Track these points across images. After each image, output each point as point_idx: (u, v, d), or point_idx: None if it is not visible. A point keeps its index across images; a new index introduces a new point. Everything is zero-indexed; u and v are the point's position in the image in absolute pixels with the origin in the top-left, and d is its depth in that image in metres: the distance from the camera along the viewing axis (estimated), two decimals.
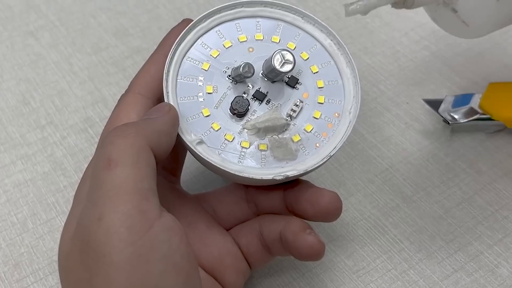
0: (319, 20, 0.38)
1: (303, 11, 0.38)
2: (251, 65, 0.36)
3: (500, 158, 0.49)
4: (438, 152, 0.49)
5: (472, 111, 0.49)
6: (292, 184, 0.36)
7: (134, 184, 0.29)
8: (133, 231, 0.28)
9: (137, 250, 0.28)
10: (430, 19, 0.58)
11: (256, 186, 0.37)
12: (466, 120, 0.49)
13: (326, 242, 0.43)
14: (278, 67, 0.35)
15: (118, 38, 0.58)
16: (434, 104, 0.50)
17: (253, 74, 0.36)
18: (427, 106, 0.51)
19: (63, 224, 0.42)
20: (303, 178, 0.37)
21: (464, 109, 0.49)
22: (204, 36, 0.37)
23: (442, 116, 0.49)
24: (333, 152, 0.35)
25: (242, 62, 0.36)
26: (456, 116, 0.49)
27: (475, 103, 0.49)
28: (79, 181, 0.44)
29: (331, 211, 0.35)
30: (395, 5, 0.38)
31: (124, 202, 0.28)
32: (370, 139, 0.50)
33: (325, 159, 0.35)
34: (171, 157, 0.39)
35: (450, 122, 0.49)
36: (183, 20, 0.38)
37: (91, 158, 0.37)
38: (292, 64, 0.35)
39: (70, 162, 0.49)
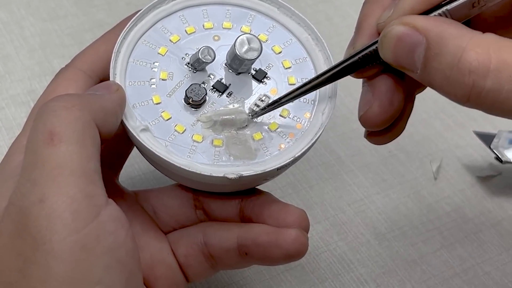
0: (297, 12, 0.37)
1: (280, 0, 0.37)
2: (212, 49, 0.34)
3: (489, 206, 0.47)
4: (421, 189, 0.47)
5: None
6: (252, 195, 0.35)
7: (80, 164, 0.28)
8: (79, 218, 0.27)
9: (81, 240, 0.27)
10: None
11: (210, 192, 0.35)
12: None
13: (282, 271, 0.42)
14: (241, 53, 0.34)
15: (79, 8, 0.55)
16: (486, 138, 0.47)
17: (213, 59, 0.34)
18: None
19: None
20: (262, 187, 0.35)
21: None
22: (165, 19, 0.36)
23: (495, 153, 0.46)
24: (298, 154, 0.33)
25: (202, 46, 0.34)
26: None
27: None
28: None
29: None
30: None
31: (69, 184, 0.27)
32: (348, 163, 0.48)
33: (288, 161, 0.33)
34: (112, 147, 0.37)
35: (503, 161, 0.45)
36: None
37: None
38: (258, 52, 0.34)
39: (4, 137, 0.45)
